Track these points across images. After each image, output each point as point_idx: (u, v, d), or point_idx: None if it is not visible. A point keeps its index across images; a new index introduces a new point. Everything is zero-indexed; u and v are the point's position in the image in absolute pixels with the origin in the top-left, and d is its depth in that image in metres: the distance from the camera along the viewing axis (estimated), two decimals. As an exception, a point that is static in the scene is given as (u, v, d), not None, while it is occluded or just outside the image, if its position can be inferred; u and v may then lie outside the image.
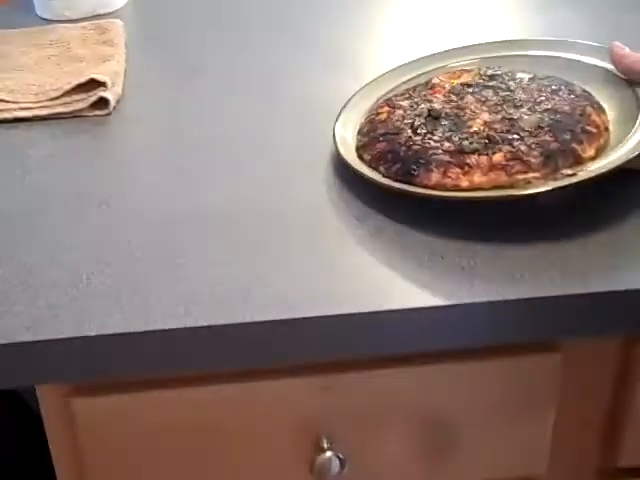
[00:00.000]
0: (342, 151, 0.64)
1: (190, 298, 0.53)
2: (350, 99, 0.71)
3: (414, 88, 0.69)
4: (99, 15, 0.91)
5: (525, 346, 0.58)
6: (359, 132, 0.67)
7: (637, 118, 0.62)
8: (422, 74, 0.73)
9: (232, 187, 0.64)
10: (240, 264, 0.56)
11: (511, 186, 0.58)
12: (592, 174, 0.57)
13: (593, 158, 0.60)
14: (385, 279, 0.54)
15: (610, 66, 0.67)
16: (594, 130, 0.61)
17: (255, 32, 0.88)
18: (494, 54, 0.73)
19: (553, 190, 0.56)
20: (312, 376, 0.57)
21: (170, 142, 0.70)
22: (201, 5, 0.94)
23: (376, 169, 0.62)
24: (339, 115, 0.69)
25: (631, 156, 0.57)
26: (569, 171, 0.58)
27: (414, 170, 0.60)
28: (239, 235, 0.58)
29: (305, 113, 0.73)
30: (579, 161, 0.59)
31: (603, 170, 0.57)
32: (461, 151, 0.60)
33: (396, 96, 0.69)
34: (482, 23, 0.87)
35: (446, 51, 0.75)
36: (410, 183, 0.60)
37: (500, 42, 0.75)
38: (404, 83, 0.72)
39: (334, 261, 0.56)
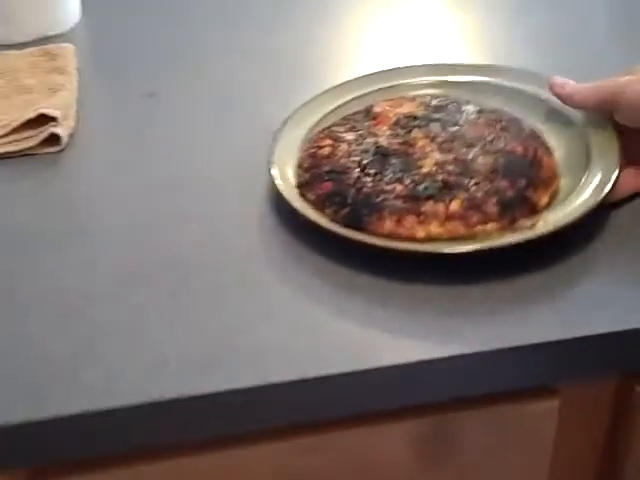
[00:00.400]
0: (283, 189, 0.61)
1: (157, 366, 0.50)
2: (283, 126, 0.67)
3: (355, 117, 0.66)
4: (48, 38, 0.87)
5: (522, 391, 0.56)
6: (300, 166, 0.63)
7: (586, 157, 0.61)
8: (359, 97, 0.70)
9: (179, 234, 0.61)
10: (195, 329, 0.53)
11: (469, 237, 0.56)
12: (550, 228, 0.55)
13: (547, 204, 0.58)
14: (360, 333, 0.52)
15: (551, 97, 0.66)
16: (547, 175, 0.60)
17: (212, 54, 0.85)
18: (433, 78, 0.71)
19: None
20: (297, 438, 0.54)
21: (124, 181, 0.67)
22: (157, 25, 0.91)
23: (322, 211, 0.59)
24: (274, 146, 0.65)
25: (589, 208, 0.56)
26: (527, 222, 0.56)
27: (365, 216, 0.57)
28: (190, 292, 0.56)
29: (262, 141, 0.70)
30: (535, 210, 0.57)
31: (561, 224, 0.55)
32: (415, 197, 0.57)
33: (337, 126, 0.66)
34: (434, 42, 0.85)
35: (383, 71, 0.73)
36: (360, 230, 0.57)
37: (438, 65, 0.73)
38: (340, 107, 0.69)
39: (299, 318, 0.53)
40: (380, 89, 0.71)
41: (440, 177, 0.58)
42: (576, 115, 0.65)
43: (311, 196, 0.60)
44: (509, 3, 0.92)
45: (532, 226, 0.56)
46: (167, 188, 0.66)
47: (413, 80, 0.71)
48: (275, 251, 0.59)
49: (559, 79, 0.64)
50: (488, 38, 0.86)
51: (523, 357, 0.52)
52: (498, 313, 0.53)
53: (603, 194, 0.57)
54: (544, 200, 0.58)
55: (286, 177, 0.62)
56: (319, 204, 0.60)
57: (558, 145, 0.63)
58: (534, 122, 0.65)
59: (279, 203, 0.61)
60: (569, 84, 0.63)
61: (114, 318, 0.54)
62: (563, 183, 0.60)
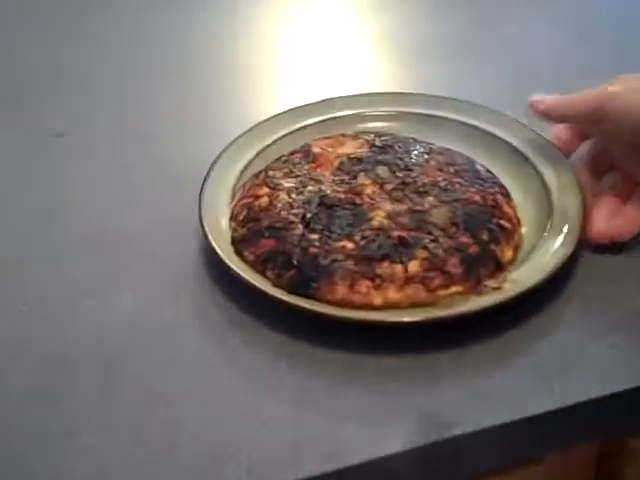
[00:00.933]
0: (217, 247, 0.53)
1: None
2: (211, 170, 0.59)
3: (292, 159, 0.59)
4: None
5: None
6: (234, 218, 0.56)
7: (546, 199, 0.56)
8: (293, 132, 0.63)
9: (104, 307, 0.53)
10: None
11: (431, 302, 0.50)
12: (520, 289, 0.50)
13: (511, 260, 0.53)
14: (322, 422, 0.46)
15: (501, 133, 0.61)
16: (509, 225, 0.55)
17: (122, 77, 0.76)
18: (373, 110, 0.65)
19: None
20: None
21: (34, 250, 0.58)
22: (45, 44, 0.81)
23: (262, 273, 0.52)
24: (203, 195, 0.57)
25: (558, 264, 0.51)
26: (493, 284, 0.51)
27: (313, 281, 0.51)
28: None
29: (175, 185, 0.62)
30: (500, 266, 0.52)
31: (531, 284, 0.50)
32: (369, 257, 0.51)
33: (273, 170, 0.58)
34: (368, 69, 0.79)
35: (317, 103, 0.66)
36: (309, 296, 0.51)
37: (378, 94, 0.67)
38: (274, 144, 0.62)
39: (246, 408, 0.47)
40: (316, 123, 0.64)
41: (395, 233, 0.52)
42: (530, 152, 0.60)
43: (249, 255, 0.54)
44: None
45: (498, 288, 0.51)
46: (86, 251, 0.57)
47: (352, 112, 0.65)
48: (211, 320, 0.52)
49: (537, 96, 0.58)
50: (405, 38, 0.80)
51: (507, 434, 0.47)
52: (472, 383, 0.48)
53: (573, 246, 0.52)
54: (508, 254, 0.53)
55: (220, 231, 0.55)
56: (259, 265, 0.53)
57: (515, 187, 0.58)
58: (486, 161, 0.60)
59: (213, 262, 0.54)
60: (547, 98, 0.58)
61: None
62: (525, 231, 0.55)
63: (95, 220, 0.60)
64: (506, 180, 0.58)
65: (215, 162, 0.60)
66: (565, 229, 0.54)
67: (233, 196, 0.58)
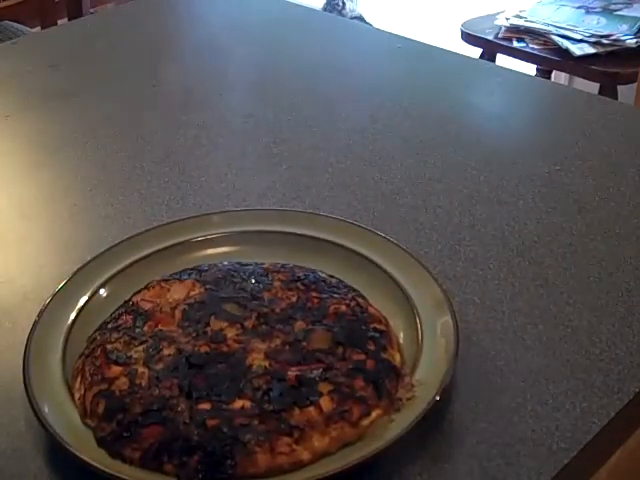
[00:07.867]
0: (85, 456, 0.44)
1: None
2: (28, 357, 0.49)
3: (121, 324, 0.51)
4: None
5: None
6: (89, 415, 0.47)
7: (397, 288, 0.54)
8: (100, 286, 0.55)
9: None
10: None
11: (358, 436, 0.46)
12: (435, 392, 0.47)
13: (402, 363, 0.50)
14: None
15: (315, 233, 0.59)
16: (384, 327, 0.52)
17: None
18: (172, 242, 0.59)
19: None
20: None
21: None
22: None
23: (157, 469, 0.44)
24: (29, 388, 0.47)
25: (453, 355, 0.49)
26: (405, 394, 0.48)
27: (227, 458, 0.44)
28: None
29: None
30: (398, 374, 0.49)
31: (444, 384, 0.47)
32: (274, 411, 0.46)
33: (110, 344, 0.50)
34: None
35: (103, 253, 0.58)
36: (226, 478, 0.44)
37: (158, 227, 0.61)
38: (86, 306, 0.54)
39: None
40: (121, 271, 0.56)
41: (287, 374, 0.47)
42: (361, 248, 0.58)
43: (133, 453, 0.45)
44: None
45: (412, 397, 0.48)
46: None
47: (152, 249, 0.58)
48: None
49: None
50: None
51: None
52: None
53: (456, 332, 0.51)
54: (398, 358, 0.51)
55: (73, 430, 0.46)
56: (151, 460, 0.45)
57: (361, 286, 0.55)
58: (316, 265, 0.56)
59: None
60: None
61: None
62: (394, 325, 0.53)
63: None
64: (350, 280, 0.55)
65: (27, 353, 0.50)
66: (438, 318, 0.52)
67: (68, 386, 0.49)
